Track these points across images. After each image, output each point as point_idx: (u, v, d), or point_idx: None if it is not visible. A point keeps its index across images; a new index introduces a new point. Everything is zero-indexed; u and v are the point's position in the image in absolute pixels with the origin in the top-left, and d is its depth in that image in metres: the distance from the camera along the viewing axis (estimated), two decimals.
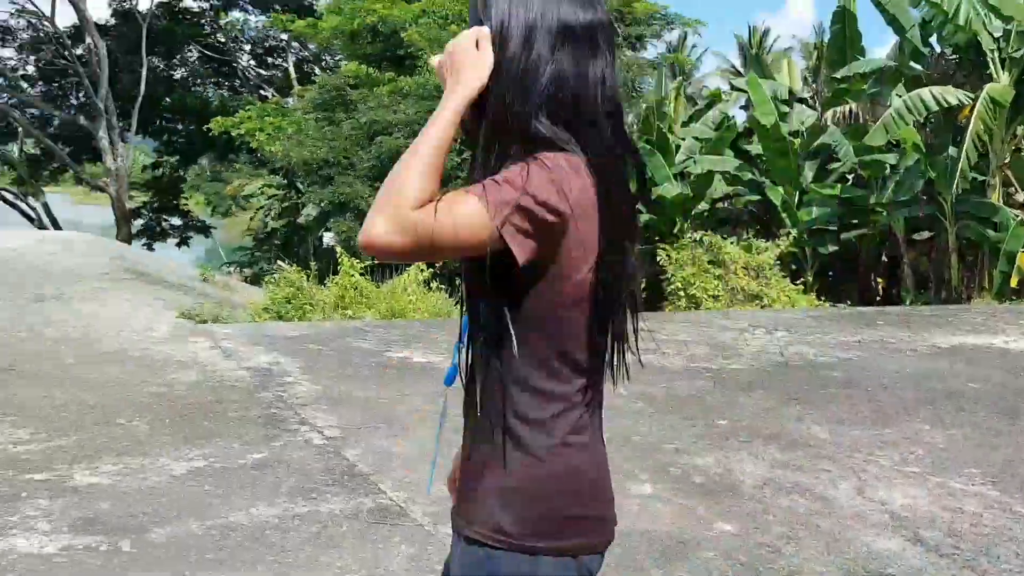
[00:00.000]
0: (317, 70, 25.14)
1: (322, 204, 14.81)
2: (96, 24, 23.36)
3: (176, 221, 29.00)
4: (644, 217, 17.49)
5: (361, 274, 10.62)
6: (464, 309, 1.37)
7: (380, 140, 14.11)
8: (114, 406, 5.12)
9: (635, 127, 17.05)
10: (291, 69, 24.87)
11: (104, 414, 4.95)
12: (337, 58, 22.65)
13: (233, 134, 18.08)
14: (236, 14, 26.93)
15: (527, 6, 1.30)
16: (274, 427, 4.91)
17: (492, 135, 1.30)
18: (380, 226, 1.19)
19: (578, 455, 1.33)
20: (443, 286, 11.50)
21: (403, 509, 3.79)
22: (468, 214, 1.20)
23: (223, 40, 26.75)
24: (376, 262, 11.72)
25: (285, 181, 24.72)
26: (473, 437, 1.38)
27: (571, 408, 1.32)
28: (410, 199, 1.20)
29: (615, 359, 1.39)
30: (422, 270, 10.97)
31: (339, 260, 10.90)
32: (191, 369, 6.17)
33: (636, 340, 1.41)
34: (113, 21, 25.48)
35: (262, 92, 26.41)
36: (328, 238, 20.73)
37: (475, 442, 1.37)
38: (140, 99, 23.37)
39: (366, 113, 14.52)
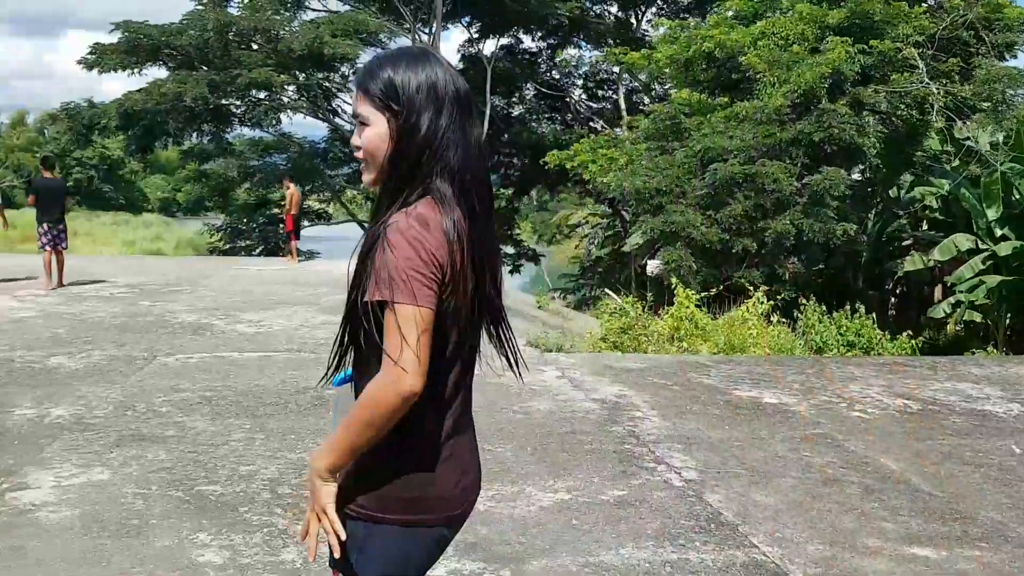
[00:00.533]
0: (646, 100, 25.47)
1: (652, 233, 14.82)
2: None
3: (509, 249, 30.77)
4: (1014, 244, 15.53)
5: (697, 306, 10.43)
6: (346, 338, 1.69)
7: (714, 167, 13.87)
8: (481, 430, 5.35)
9: (1005, 144, 15.22)
10: (621, 100, 25.40)
11: None
12: (666, 87, 22.77)
13: (567, 167, 18.76)
14: (571, 51, 28.13)
15: (428, 79, 1.63)
16: (630, 464, 4.86)
17: (398, 189, 1.62)
18: (406, 387, 1.52)
19: None
20: (784, 320, 10.96)
21: (779, 567, 3.53)
22: (408, 322, 1.51)
23: (557, 76, 28.03)
24: (712, 293, 11.48)
25: (610, 210, 25.29)
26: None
27: None
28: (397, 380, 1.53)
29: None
30: (762, 302, 10.55)
31: (674, 291, 10.80)
32: (544, 397, 6.35)
33: None
34: (461, 66, 27.71)
35: (591, 124, 27.26)
36: (651, 266, 20.79)
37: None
38: (483, 137, 25.11)
39: (700, 140, 14.36)
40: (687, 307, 10.25)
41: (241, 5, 24.73)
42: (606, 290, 19.06)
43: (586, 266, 27.87)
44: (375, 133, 1.63)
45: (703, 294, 11.21)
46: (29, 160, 54.19)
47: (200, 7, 24.01)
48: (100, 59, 23.31)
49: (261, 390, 6.29)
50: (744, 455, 5.09)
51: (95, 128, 26.42)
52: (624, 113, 24.63)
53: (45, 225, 11.59)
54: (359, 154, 1.67)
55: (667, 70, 18.58)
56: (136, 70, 23.62)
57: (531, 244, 35.06)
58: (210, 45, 22.87)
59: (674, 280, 11.24)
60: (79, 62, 23.50)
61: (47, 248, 11.68)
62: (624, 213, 21.85)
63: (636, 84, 26.38)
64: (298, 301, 11.30)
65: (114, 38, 23.39)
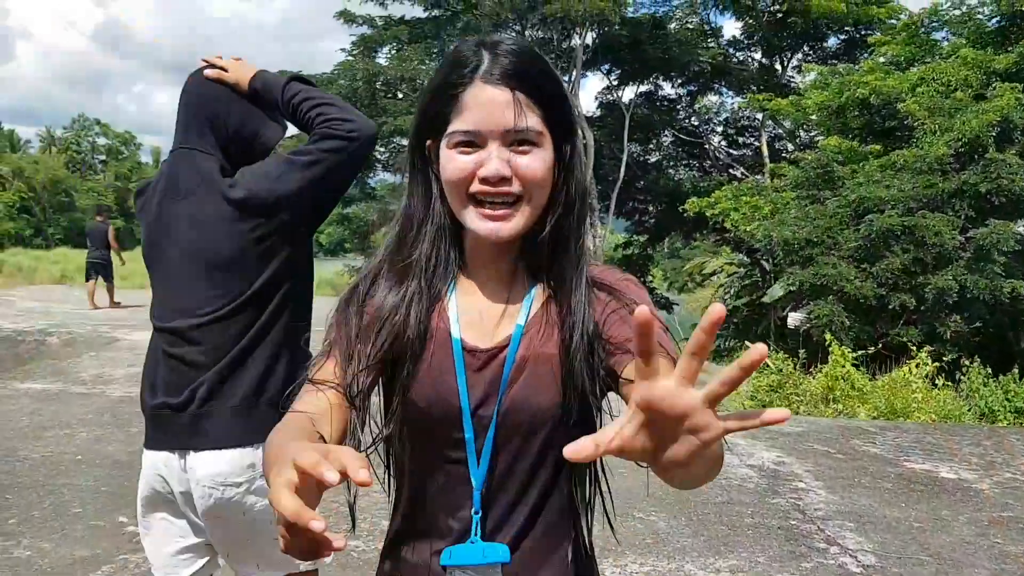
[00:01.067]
0: (790, 146, 24.68)
1: (799, 285, 14.12)
2: (586, 116, 25.56)
3: None
4: None
5: (854, 365, 9.77)
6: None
7: (870, 218, 13.12)
8: (628, 495, 5.06)
9: None
10: (763, 147, 24.70)
11: (621, 503, 4.90)
12: (812, 134, 21.98)
13: (707, 214, 18.26)
14: (711, 97, 27.68)
15: None
16: (798, 543, 4.44)
17: (568, 236, 1.22)
18: None
19: None
20: (948, 383, 10.13)
21: None
22: None
23: (696, 123, 27.58)
24: (871, 351, 10.78)
25: (748, 259, 24.43)
26: None
27: None
28: None
29: None
30: (926, 363, 9.78)
31: (828, 347, 10.18)
32: None
33: None
34: (599, 113, 27.68)
35: (731, 171, 26.61)
36: (793, 319, 19.93)
37: None
38: (619, 183, 24.91)
39: (854, 189, 13.64)
40: (843, 366, 9.61)
41: (389, 56, 25.58)
42: (745, 342, 18.31)
43: None
44: (548, 160, 1.16)
45: (859, 352, 10.52)
46: None
47: (350, 58, 24.97)
48: None
49: None
50: (926, 539, 4.57)
51: None
52: (767, 160, 23.91)
53: None
54: (512, 188, 1.14)
55: (814, 116, 17.91)
56: None
57: (663, 292, 34.38)
58: (358, 94, 23.68)
59: (827, 336, 10.59)
60: None
61: None
62: (764, 263, 21.05)
63: (779, 131, 25.63)
64: None
65: None
